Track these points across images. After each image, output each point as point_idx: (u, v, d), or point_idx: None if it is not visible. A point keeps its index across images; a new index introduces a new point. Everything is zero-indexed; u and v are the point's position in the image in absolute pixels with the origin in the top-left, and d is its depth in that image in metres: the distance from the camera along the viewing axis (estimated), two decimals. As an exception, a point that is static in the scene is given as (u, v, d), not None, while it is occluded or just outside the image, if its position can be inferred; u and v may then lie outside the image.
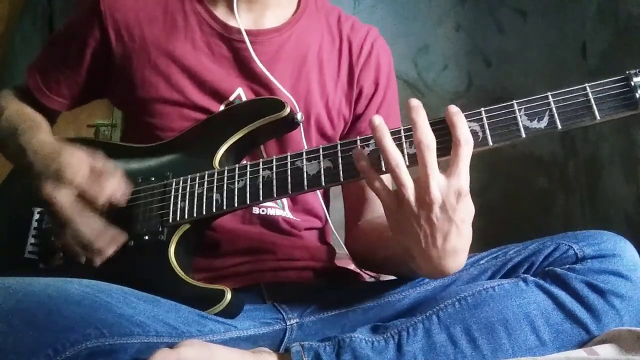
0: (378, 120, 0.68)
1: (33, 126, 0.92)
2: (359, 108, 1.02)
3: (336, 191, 1.03)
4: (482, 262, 0.83)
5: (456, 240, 0.66)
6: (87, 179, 0.78)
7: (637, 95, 0.66)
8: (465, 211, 0.66)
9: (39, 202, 0.82)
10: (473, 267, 0.83)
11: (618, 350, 0.66)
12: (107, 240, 0.78)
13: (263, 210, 0.93)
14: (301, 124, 0.90)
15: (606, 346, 0.67)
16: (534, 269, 0.77)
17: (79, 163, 0.79)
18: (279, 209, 0.94)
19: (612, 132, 2.11)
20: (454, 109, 0.68)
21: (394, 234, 0.71)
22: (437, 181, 0.64)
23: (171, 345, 0.66)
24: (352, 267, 1.04)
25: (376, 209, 0.99)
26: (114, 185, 0.79)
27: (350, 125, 1.03)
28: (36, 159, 0.83)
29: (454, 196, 0.64)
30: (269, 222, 0.93)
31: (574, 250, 0.76)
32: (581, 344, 0.70)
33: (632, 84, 0.67)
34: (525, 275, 0.76)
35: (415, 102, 0.67)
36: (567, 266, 0.74)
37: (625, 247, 0.75)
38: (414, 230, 0.66)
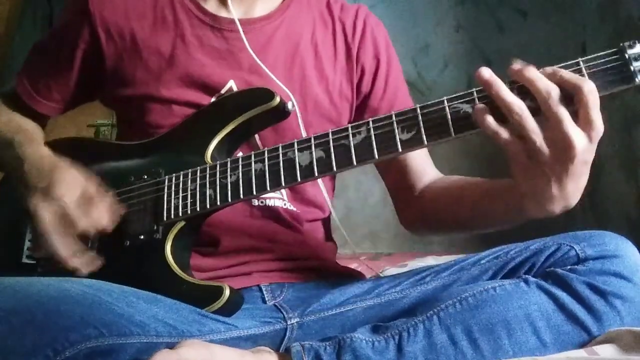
0: (487, 73, 0.68)
1: (28, 138, 0.91)
2: (364, 86, 1.01)
3: (339, 188, 1.02)
4: (483, 262, 0.82)
5: (585, 178, 0.68)
6: (74, 201, 0.79)
7: (632, 68, 0.65)
8: (594, 151, 0.67)
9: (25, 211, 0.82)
10: (474, 267, 0.82)
11: (618, 351, 0.66)
12: (81, 263, 0.79)
13: (262, 202, 0.92)
14: (298, 112, 0.89)
15: (606, 346, 0.67)
16: (535, 270, 0.77)
17: (71, 183, 0.80)
18: (278, 198, 0.93)
19: (612, 132, 2.11)
20: (547, 70, 0.67)
21: (524, 183, 0.70)
22: (578, 131, 0.65)
23: (171, 345, 0.66)
24: (353, 265, 1.04)
25: (425, 175, 0.99)
26: (101, 213, 0.80)
27: (361, 105, 1.02)
28: (31, 171, 0.83)
29: (593, 143, 0.65)
30: (270, 213, 0.92)
31: (575, 251, 0.75)
32: (582, 345, 0.70)
33: (626, 56, 0.65)
34: (527, 276, 0.75)
35: (518, 65, 0.68)
36: (569, 267, 0.74)
37: (627, 248, 0.75)
38: (545, 175, 0.67)
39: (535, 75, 0.66)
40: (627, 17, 2.06)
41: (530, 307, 0.70)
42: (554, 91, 0.65)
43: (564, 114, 0.65)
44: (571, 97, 0.66)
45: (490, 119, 0.67)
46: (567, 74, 0.66)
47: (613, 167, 2.11)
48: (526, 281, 0.73)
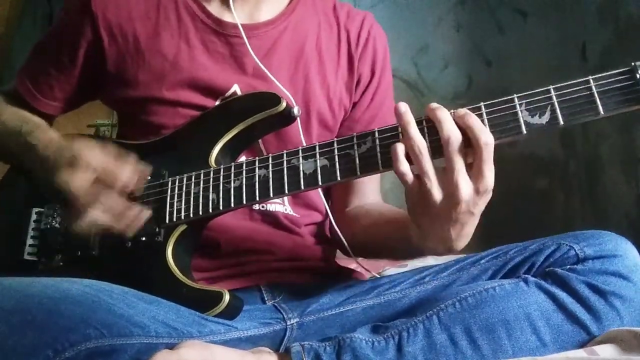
0: (404, 107, 0.69)
1: (36, 126, 0.92)
2: (355, 96, 1.01)
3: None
4: (482, 262, 0.83)
5: (471, 227, 0.70)
6: (102, 163, 0.78)
7: None
8: (484, 203, 0.68)
9: (50, 197, 0.82)
10: (473, 266, 0.82)
11: (618, 351, 0.66)
12: (130, 219, 0.78)
13: (263, 206, 0.92)
14: (299, 118, 0.89)
15: (606, 346, 0.67)
16: (535, 269, 0.77)
17: (93, 148, 0.79)
18: (279, 204, 0.93)
19: (612, 132, 2.11)
20: (463, 112, 0.68)
21: (412, 216, 0.72)
22: (466, 181, 0.66)
23: (171, 346, 0.67)
24: (352, 266, 1.04)
25: (364, 197, 1.00)
26: (131, 169, 0.79)
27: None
28: (47, 152, 0.83)
29: (480, 196, 0.66)
30: (269, 218, 0.92)
31: (574, 250, 0.75)
32: (581, 345, 0.70)
33: (638, 76, 0.64)
34: (526, 275, 0.75)
35: (435, 104, 0.69)
36: (568, 267, 0.74)
37: (626, 247, 0.75)
38: (433, 216, 0.68)
39: (443, 117, 0.67)
40: (627, 17, 2.05)
41: (530, 307, 0.71)
42: (454, 137, 0.66)
43: (457, 162, 0.66)
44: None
45: (402, 157, 0.68)
46: (472, 121, 0.66)
47: (613, 167, 2.11)
48: (526, 281, 0.74)
